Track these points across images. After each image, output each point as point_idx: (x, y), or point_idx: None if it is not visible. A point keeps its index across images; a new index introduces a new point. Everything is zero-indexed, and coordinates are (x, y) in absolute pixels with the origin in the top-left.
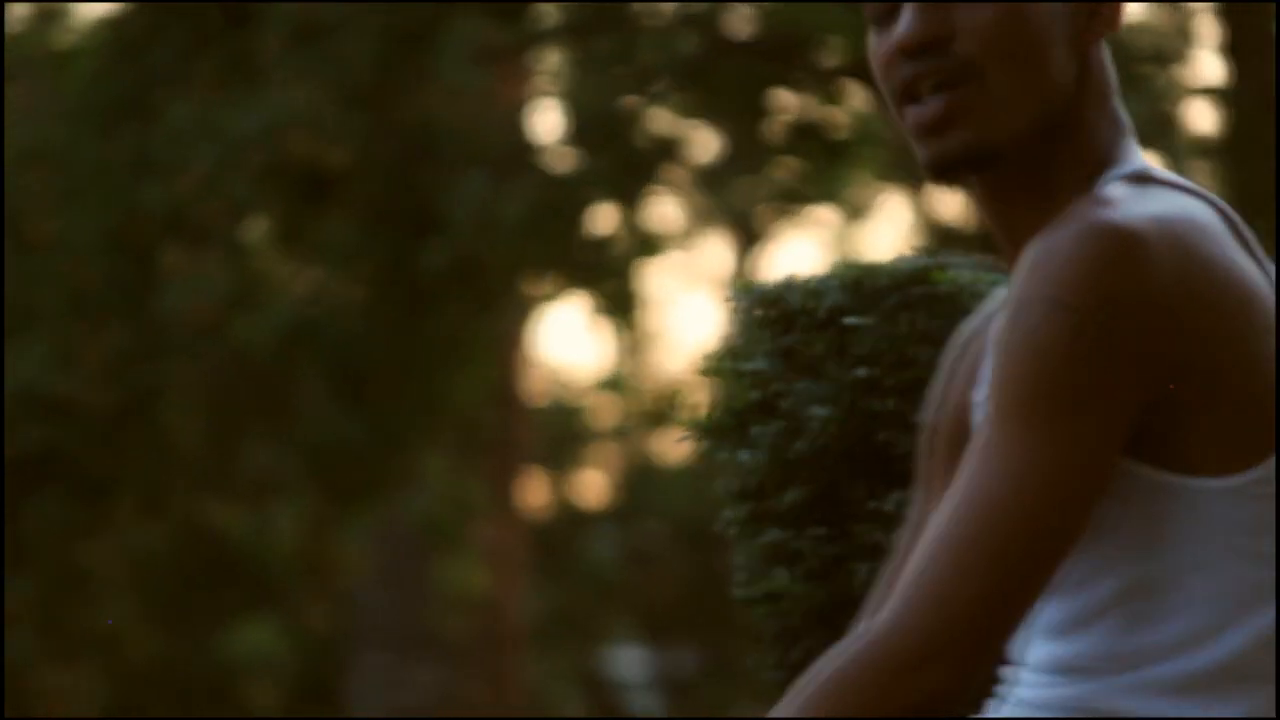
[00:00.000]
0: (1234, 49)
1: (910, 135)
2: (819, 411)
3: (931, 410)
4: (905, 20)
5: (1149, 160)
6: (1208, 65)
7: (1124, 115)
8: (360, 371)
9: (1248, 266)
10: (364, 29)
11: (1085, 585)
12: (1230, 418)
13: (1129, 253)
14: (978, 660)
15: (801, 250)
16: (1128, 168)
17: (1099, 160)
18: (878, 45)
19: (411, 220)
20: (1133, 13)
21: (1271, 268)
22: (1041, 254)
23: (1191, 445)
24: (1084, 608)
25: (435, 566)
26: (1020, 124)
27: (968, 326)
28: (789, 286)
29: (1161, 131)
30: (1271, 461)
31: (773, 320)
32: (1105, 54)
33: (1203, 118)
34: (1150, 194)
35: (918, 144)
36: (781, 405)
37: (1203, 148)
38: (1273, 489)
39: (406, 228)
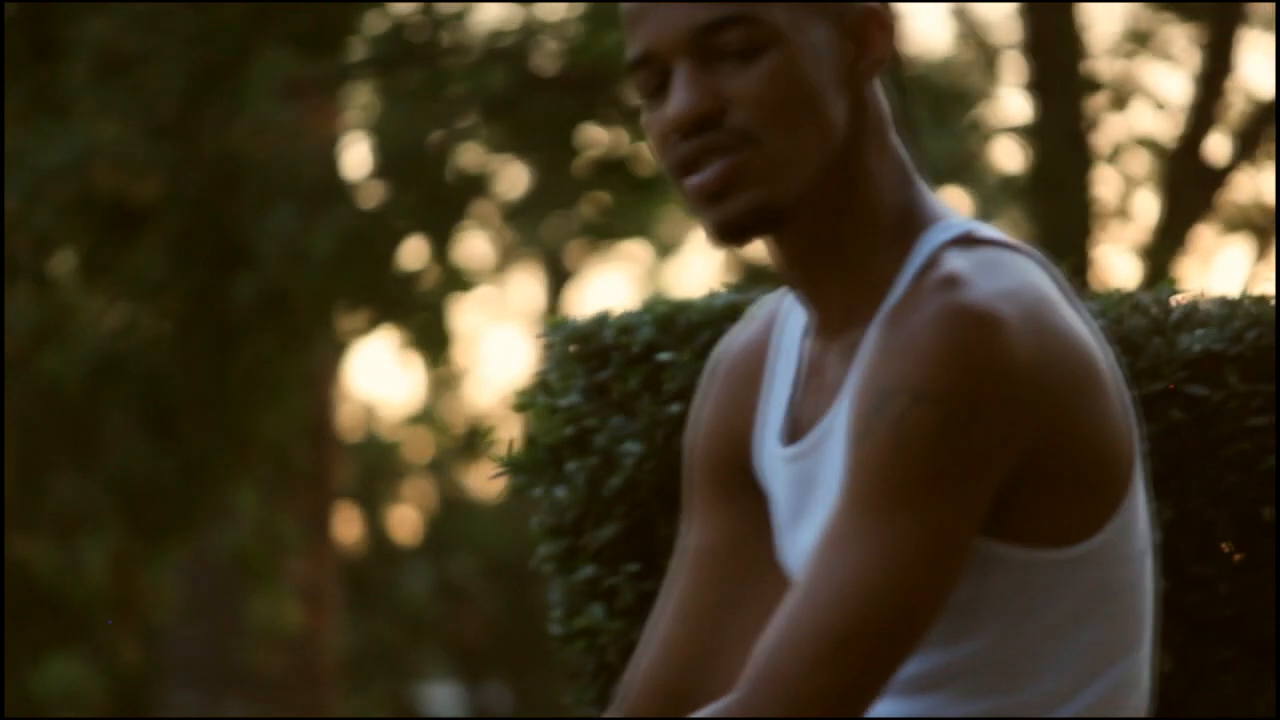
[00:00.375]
0: (1039, 86)
1: (694, 205)
2: (632, 447)
3: (691, 434)
4: (677, 97)
5: (949, 202)
6: (1013, 103)
7: (904, 152)
8: (169, 405)
9: (1081, 326)
10: (170, 61)
11: (936, 648)
12: (1076, 490)
13: (991, 340)
14: None
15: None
16: (948, 229)
17: (900, 211)
18: (652, 119)
19: (220, 253)
20: (938, 51)
21: (1086, 313)
22: (899, 342)
23: (1035, 518)
24: (934, 669)
25: (247, 602)
26: (802, 180)
27: (730, 349)
28: (601, 322)
29: (969, 170)
30: (1112, 525)
31: (585, 356)
32: (877, 90)
33: (1009, 156)
34: (989, 262)
35: (702, 212)
36: (595, 441)
37: (1010, 186)
38: (1115, 551)
39: (215, 261)
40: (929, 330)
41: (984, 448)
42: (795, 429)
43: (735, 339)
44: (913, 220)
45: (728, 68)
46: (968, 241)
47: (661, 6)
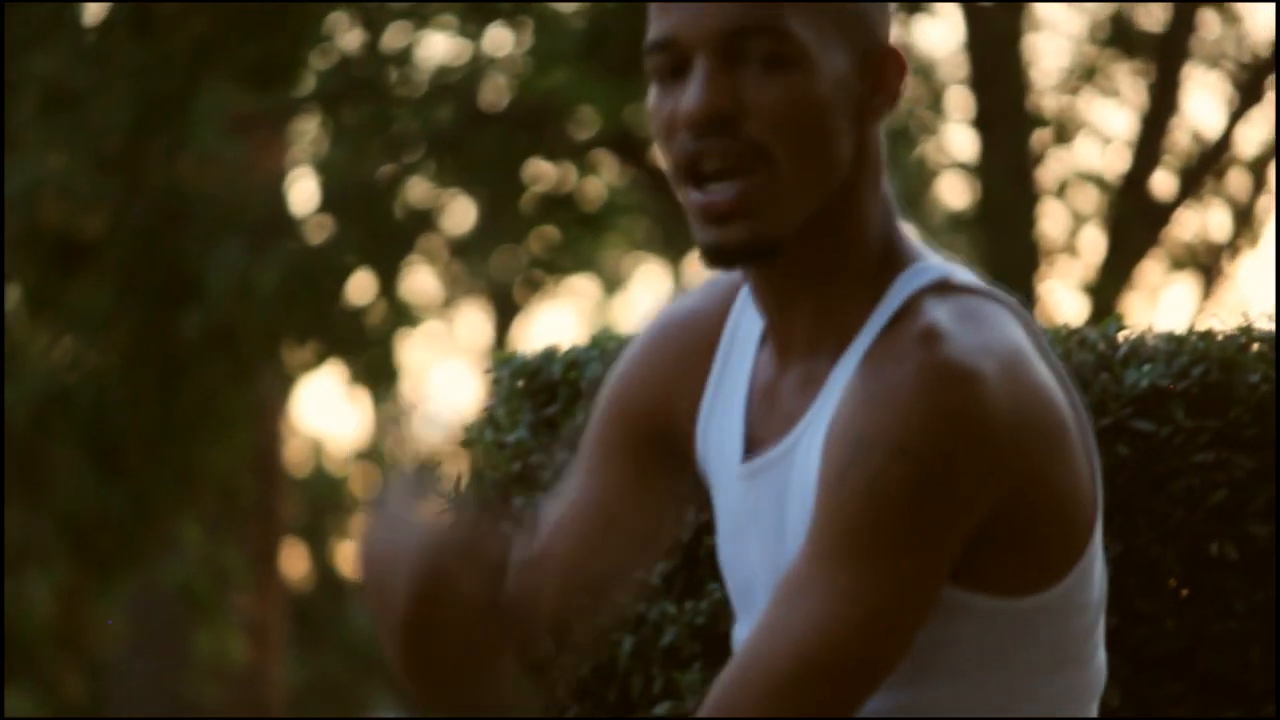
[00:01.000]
0: (984, 122)
1: (692, 215)
2: None
3: (617, 386)
4: (694, 91)
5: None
6: (959, 139)
7: (891, 193)
8: (116, 439)
9: (1052, 380)
10: (117, 95)
11: (897, 690)
12: (1042, 540)
13: (970, 398)
14: None
15: (560, 321)
16: (924, 273)
17: (878, 249)
18: (660, 104)
19: (167, 287)
20: None
21: (1056, 361)
22: (881, 393)
23: (1002, 568)
24: (894, 710)
25: (193, 636)
26: (804, 211)
27: (678, 314)
28: (549, 357)
29: (915, 206)
30: (1072, 574)
31: (533, 391)
32: (882, 131)
33: (955, 192)
34: (969, 314)
35: (699, 227)
36: (542, 477)
37: (956, 222)
38: (1074, 600)
39: (162, 295)
40: (910, 385)
41: (957, 505)
42: (749, 445)
43: (686, 305)
44: (890, 260)
45: (750, 74)
46: (945, 288)
47: (697, 1)
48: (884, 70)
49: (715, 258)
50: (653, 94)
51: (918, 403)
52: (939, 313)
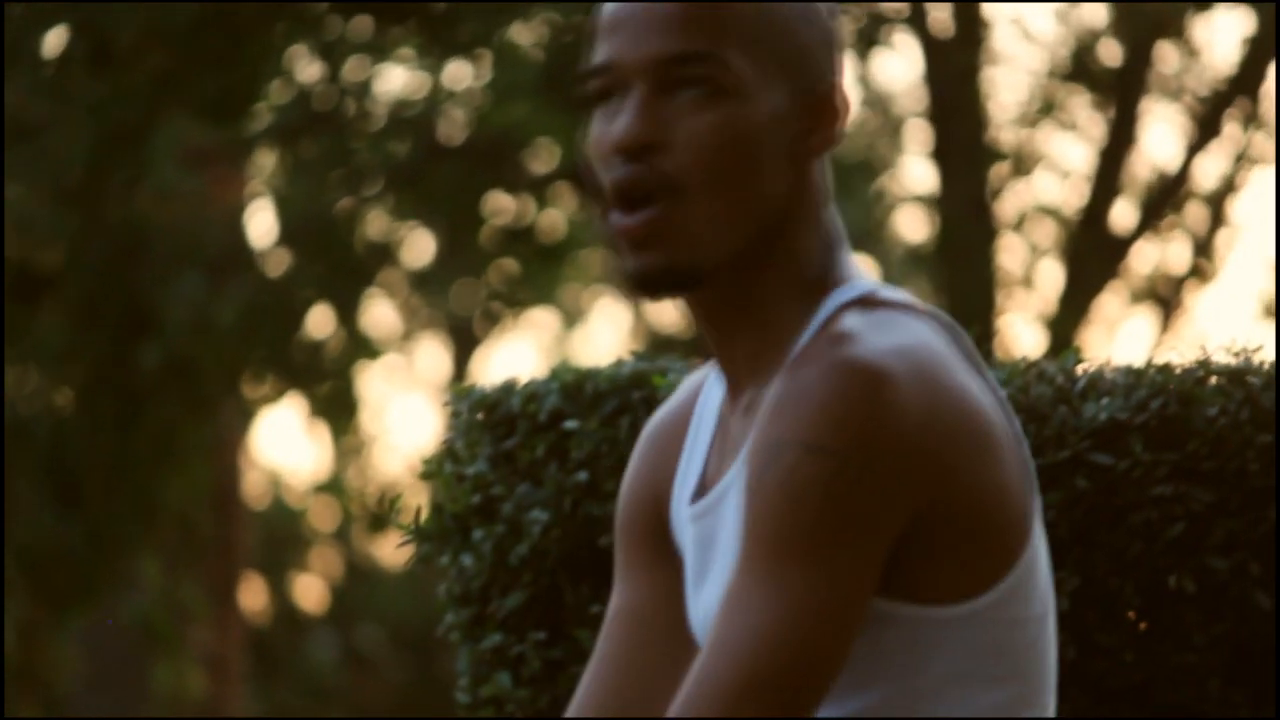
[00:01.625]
0: (942, 155)
1: (616, 242)
2: (539, 515)
3: (620, 500)
4: (625, 118)
5: (864, 267)
6: (917, 172)
7: (838, 225)
8: (74, 472)
9: (979, 389)
10: (75, 128)
11: (828, 703)
12: (965, 548)
13: (879, 393)
14: None
15: (520, 354)
16: (852, 290)
17: (814, 277)
18: (597, 131)
19: (125, 321)
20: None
21: (990, 378)
22: (790, 395)
23: (925, 576)
24: None
25: (151, 670)
26: (725, 246)
27: (658, 417)
28: (508, 390)
29: (874, 239)
30: (1004, 585)
31: (492, 424)
32: (824, 167)
33: (914, 225)
34: (884, 321)
35: (620, 254)
36: (502, 509)
37: (915, 255)
38: (1008, 612)
39: (120, 328)
40: (817, 384)
41: (875, 500)
42: (702, 489)
43: (663, 409)
44: (824, 283)
45: (684, 103)
46: (868, 302)
47: (638, 22)
48: (825, 109)
49: (637, 285)
50: (595, 122)
51: (825, 400)
52: (854, 320)
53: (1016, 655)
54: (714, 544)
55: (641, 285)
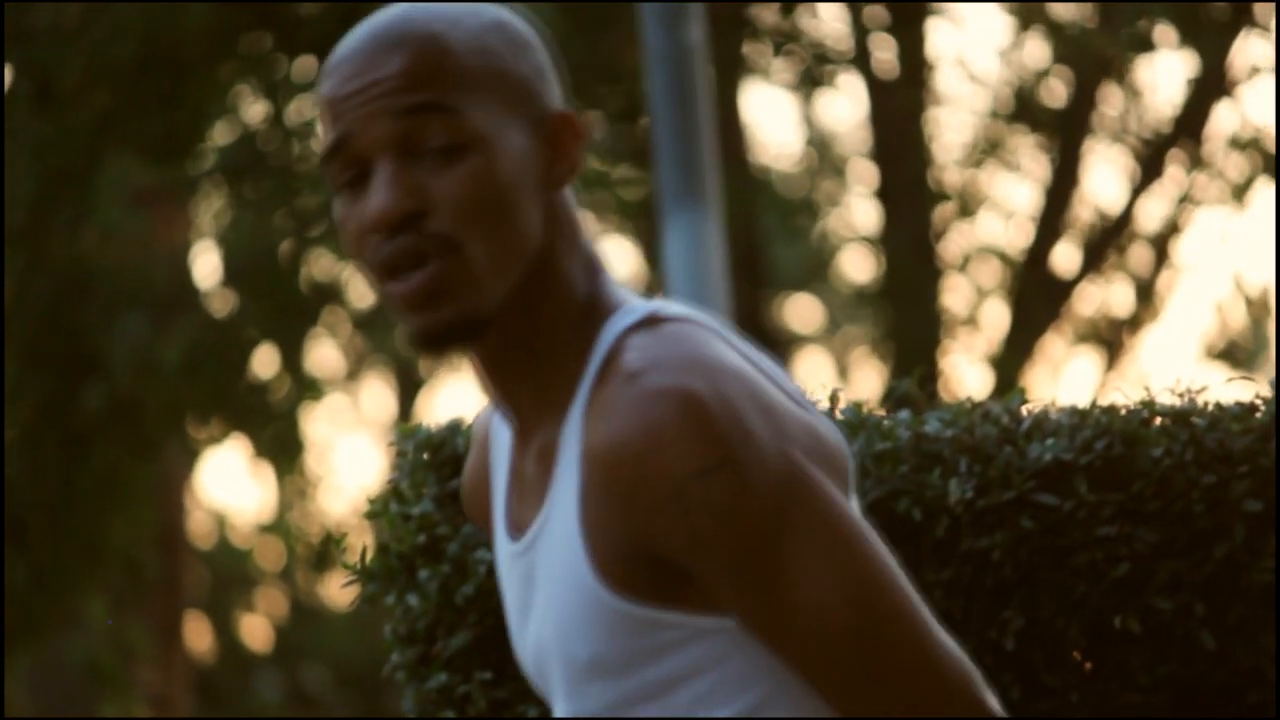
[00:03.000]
0: (887, 195)
1: (396, 310)
2: (485, 555)
3: (468, 495)
4: (379, 194)
5: (800, 308)
6: (862, 212)
7: (595, 252)
8: (18, 513)
9: (771, 390)
10: (19, 169)
11: (712, 706)
12: None
13: (700, 411)
14: None
15: (465, 394)
16: (630, 315)
17: (584, 306)
18: (348, 212)
19: (69, 361)
20: (787, 159)
21: (787, 382)
22: (637, 447)
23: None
24: None
25: (97, 710)
26: (500, 289)
27: (464, 475)
28: (454, 430)
29: (818, 279)
30: None
31: (438, 464)
32: (569, 195)
33: (858, 265)
34: (663, 340)
35: (405, 317)
36: (448, 549)
37: (860, 295)
38: None
39: (64, 368)
40: (650, 427)
41: (789, 471)
42: (513, 529)
43: (466, 470)
44: (596, 312)
45: (429, 166)
46: (648, 322)
47: (363, 94)
48: (561, 138)
49: (426, 343)
50: (338, 206)
51: (670, 435)
52: (636, 349)
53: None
54: (533, 582)
55: (432, 343)
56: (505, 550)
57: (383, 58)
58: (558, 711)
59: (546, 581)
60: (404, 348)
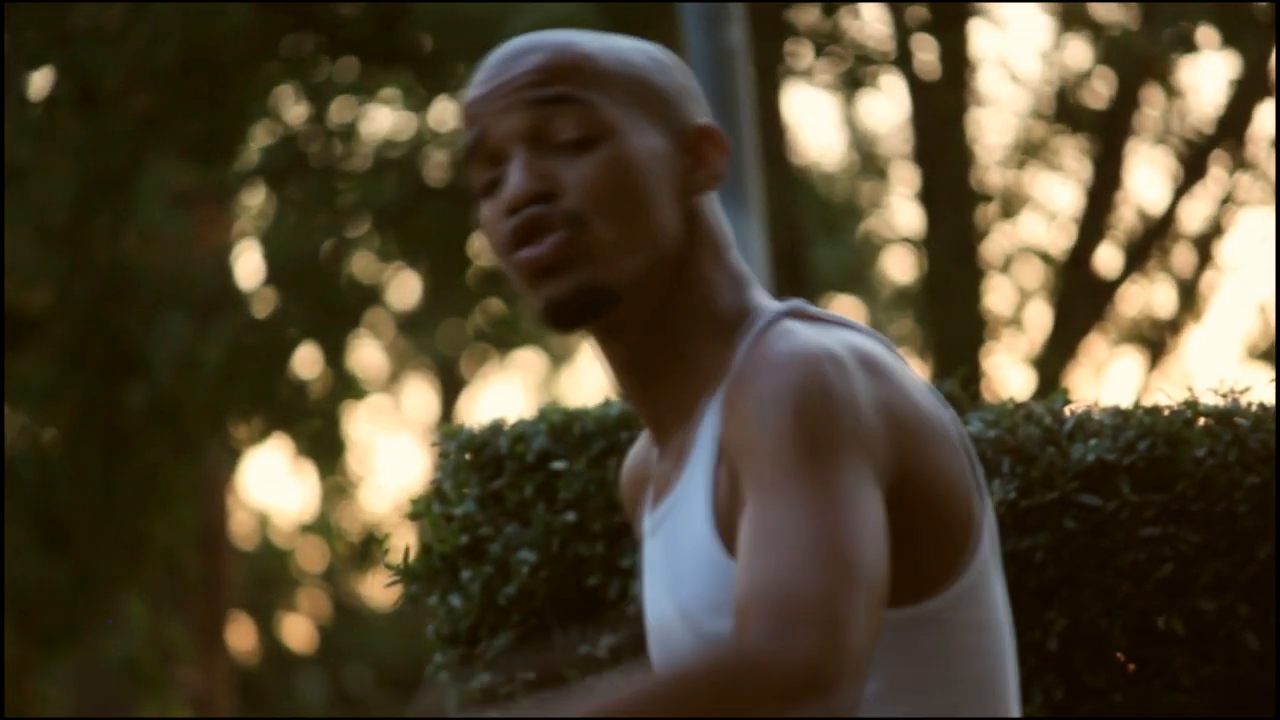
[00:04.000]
0: (929, 197)
1: (524, 282)
2: (527, 556)
3: (628, 484)
4: (511, 181)
5: (843, 309)
6: (904, 213)
7: (745, 268)
8: (60, 513)
9: (921, 390)
10: (61, 170)
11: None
12: (915, 545)
13: (837, 369)
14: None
15: (507, 394)
16: (779, 308)
17: (730, 315)
18: (489, 213)
19: (111, 362)
20: (829, 162)
21: (931, 390)
22: (759, 392)
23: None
24: None
25: (138, 710)
26: (629, 267)
27: (631, 460)
28: (496, 430)
29: (861, 281)
30: (956, 588)
31: (480, 464)
32: (715, 208)
33: (901, 266)
34: (819, 328)
35: (532, 290)
36: (490, 550)
37: (902, 297)
38: (962, 616)
39: (106, 369)
40: (778, 372)
41: (847, 418)
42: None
43: (631, 457)
44: (742, 320)
45: (562, 158)
46: (798, 315)
47: (497, 92)
48: (702, 147)
49: (552, 313)
50: (483, 209)
51: (781, 369)
52: (790, 325)
53: (971, 660)
54: (660, 560)
55: (557, 312)
56: (645, 542)
57: (519, 60)
58: None
59: (675, 560)
60: (446, 348)
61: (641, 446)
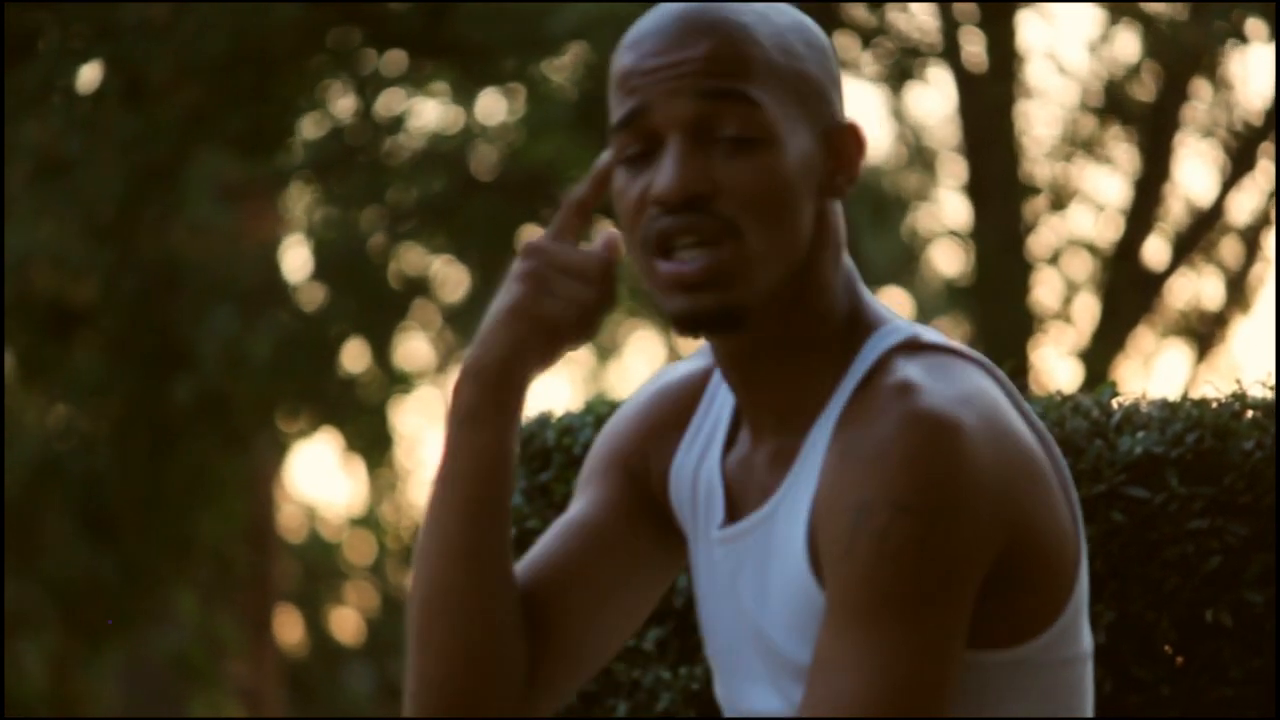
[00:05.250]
0: (977, 189)
1: (660, 287)
2: None
3: (610, 433)
4: (669, 171)
5: (887, 304)
6: (952, 206)
7: (852, 264)
8: (108, 507)
9: (1028, 430)
10: (108, 164)
11: None
12: (1024, 590)
13: (956, 447)
14: None
15: (554, 387)
16: (893, 334)
17: (843, 319)
18: (627, 185)
19: (158, 355)
20: (876, 154)
21: (1031, 414)
22: (869, 451)
23: (984, 621)
24: None
25: (186, 703)
26: (768, 282)
27: (668, 383)
28: (543, 423)
29: (908, 273)
30: (1057, 626)
31: (527, 457)
32: (839, 208)
33: (949, 259)
34: (939, 368)
35: (668, 297)
36: (536, 542)
37: (950, 289)
38: (1060, 653)
39: (153, 362)
40: (895, 439)
41: (965, 553)
42: (730, 514)
43: (679, 368)
44: (857, 328)
45: (719, 153)
46: (913, 346)
47: (665, 71)
48: (845, 147)
49: (686, 325)
50: (619, 177)
51: (907, 457)
52: (911, 369)
53: (1066, 694)
54: (739, 574)
55: (692, 325)
56: (702, 527)
57: (691, 39)
58: (750, 699)
59: (762, 577)
60: None
61: (685, 382)
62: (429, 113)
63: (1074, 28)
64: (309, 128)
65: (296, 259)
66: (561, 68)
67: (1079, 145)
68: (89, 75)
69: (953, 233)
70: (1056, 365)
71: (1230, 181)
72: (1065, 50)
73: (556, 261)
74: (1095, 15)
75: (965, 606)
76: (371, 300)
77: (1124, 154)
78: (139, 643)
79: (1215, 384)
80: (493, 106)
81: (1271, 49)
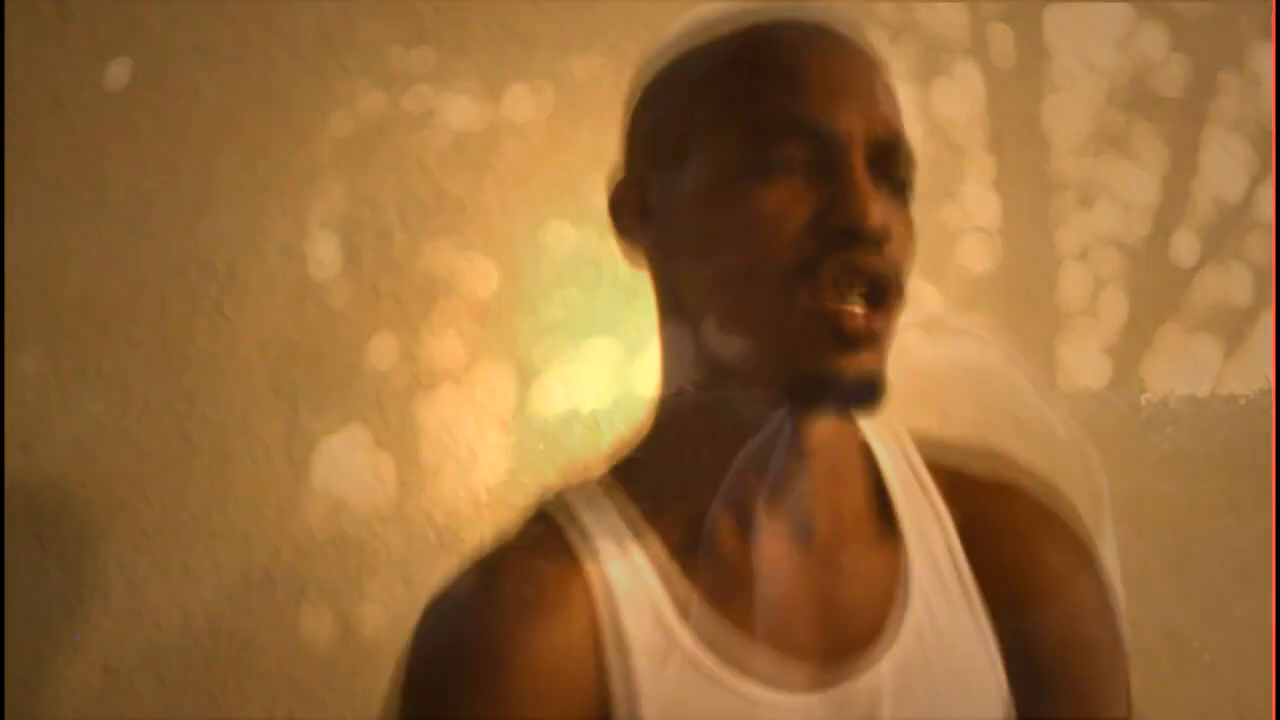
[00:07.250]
0: (1003, 185)
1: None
2: None
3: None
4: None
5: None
6: (979, 202)
7: None
8: None
9: None
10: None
11: None
12: None
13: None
14: None
15: (579, 384)
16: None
17: None
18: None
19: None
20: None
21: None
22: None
23: None
24: None
25: None
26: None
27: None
28: (571, 421)
29: (936, 268)
30: None
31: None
32: None
33: (975, 254)
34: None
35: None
36: None
37: (977, 283)
38: None
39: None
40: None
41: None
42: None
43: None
44: None
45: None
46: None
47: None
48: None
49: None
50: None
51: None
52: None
53: None
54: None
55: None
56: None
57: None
58: None
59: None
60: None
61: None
62: (457, 108)
63: (1101, 22)
64: (336, 122)
65: (323, 254)
66: (591, 65)
67: (1107, 141)
68: (117, 71)
69: (980, 228)
70: (1084, 361)
71: (1259, 176)
72: (1093, 45)
73: None
74: (1124, 10)
75: None
76: (399, 296)
77: (1151, 150)
78: None
79: (1244, 380)
80: (521, 102)
81: None
